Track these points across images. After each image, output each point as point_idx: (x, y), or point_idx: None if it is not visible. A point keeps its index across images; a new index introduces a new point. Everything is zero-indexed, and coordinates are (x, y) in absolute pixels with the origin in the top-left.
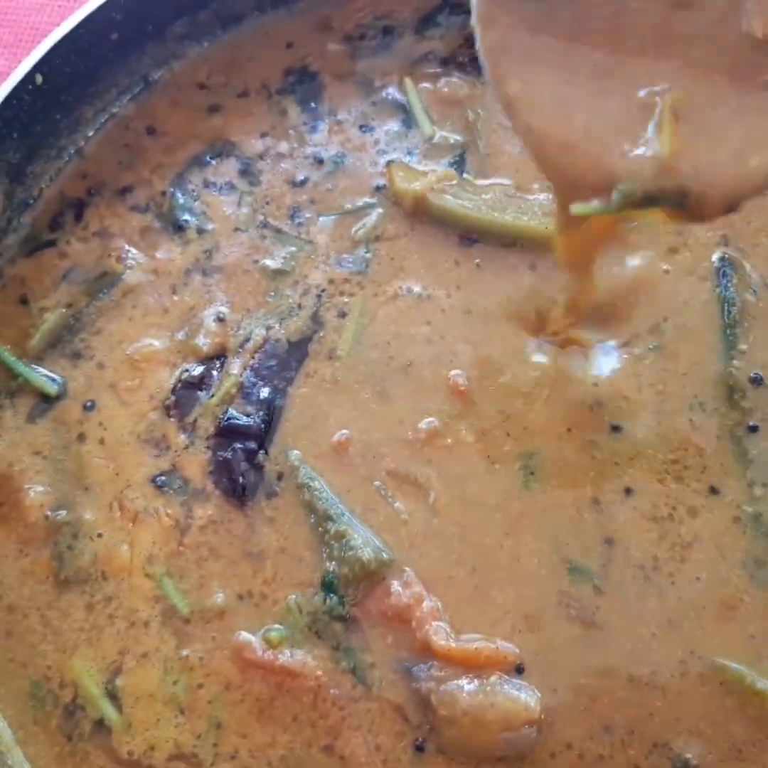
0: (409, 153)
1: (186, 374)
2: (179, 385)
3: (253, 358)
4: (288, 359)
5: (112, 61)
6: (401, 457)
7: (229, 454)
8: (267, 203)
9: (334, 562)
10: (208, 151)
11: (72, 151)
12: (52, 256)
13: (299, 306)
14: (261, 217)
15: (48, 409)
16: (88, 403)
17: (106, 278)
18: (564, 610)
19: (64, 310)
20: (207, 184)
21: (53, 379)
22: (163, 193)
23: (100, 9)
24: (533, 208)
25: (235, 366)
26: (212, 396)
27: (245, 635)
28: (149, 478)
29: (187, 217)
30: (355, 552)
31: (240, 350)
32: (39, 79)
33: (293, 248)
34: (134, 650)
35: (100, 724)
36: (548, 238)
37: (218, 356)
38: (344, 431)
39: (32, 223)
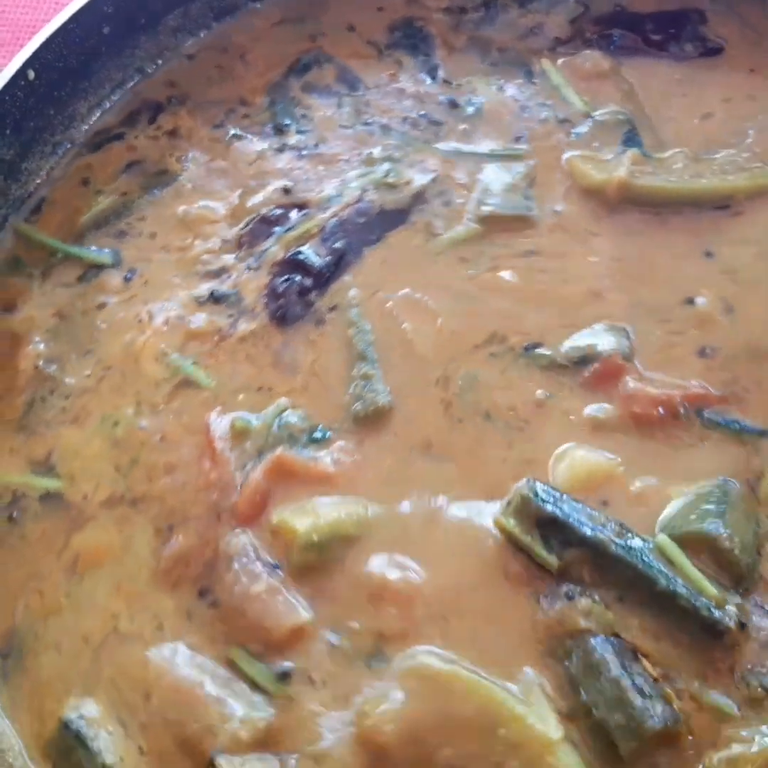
0: (577, 136)
1: (265, 210)
2: (257, 217)
3: (343, 209)
4: (374, 223)
5: (104, 55)
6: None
7: (285, 282)
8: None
9: (354, 400)
10: (306, 59)
11: (160, 63)
12: (120, 149)
13: (408, 183)
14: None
15: (95, 276)
16: (129, 274)
17: (164, 176)
18: None
19: (116, 197)
20: (307, 89)
21: (105, 252)
22: (259, 104)
23: (91, 3)
24: (724, 168)
25: (323, 212)
26: (290, 230)
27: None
28: (198, 297)
29: (287, 120)
30: (375, 395)
31: (328, 204)
32: (31, 74)
33: (406, 146)
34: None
35: (47, 497)
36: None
37: (299, 207)
38: (407, 290)
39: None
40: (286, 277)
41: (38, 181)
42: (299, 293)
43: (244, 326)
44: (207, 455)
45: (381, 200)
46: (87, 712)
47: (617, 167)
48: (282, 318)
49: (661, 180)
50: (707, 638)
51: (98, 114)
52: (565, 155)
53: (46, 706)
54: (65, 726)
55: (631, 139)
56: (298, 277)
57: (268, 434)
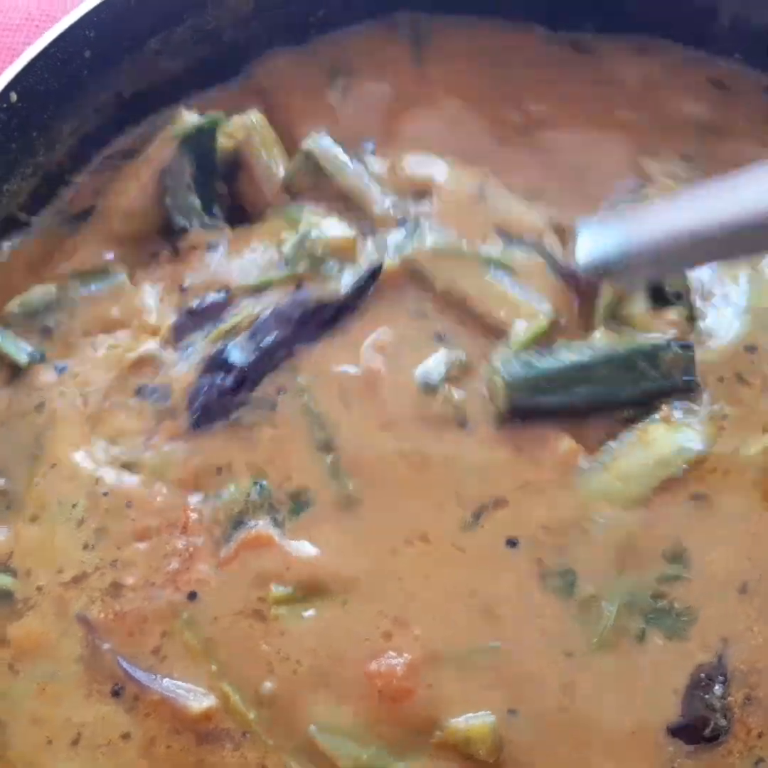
0: None
1: (195, 303)
2: (184, 310)
3: (280, 303)
4: (311, 318)
5: (86, 78)
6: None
7: (206, 383)
8: None
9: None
10: None
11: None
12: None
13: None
14: None
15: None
16: (60, 365)
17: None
18: None
19: (51, 288)
20: None
21: (25, 350)
22: None
23: (73, 27)
24: None
25: (255, 304)
26: (218, 325)
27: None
28: (130, 393)
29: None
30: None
31: (258, 295)
32: (13, 97)
33: None
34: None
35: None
36: None
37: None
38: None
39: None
40: (208, 376)
41: (18, 201)
42: (219, 394)
43: (169, 424)
44: (179, 526)
45: (317, 294)
46: None
47: None
48: (196, 423)
49: None
50: None
51: (78, 138)
52: None
53: None
54: None
55: None
56: (219, 379)
57: (247, 501)
